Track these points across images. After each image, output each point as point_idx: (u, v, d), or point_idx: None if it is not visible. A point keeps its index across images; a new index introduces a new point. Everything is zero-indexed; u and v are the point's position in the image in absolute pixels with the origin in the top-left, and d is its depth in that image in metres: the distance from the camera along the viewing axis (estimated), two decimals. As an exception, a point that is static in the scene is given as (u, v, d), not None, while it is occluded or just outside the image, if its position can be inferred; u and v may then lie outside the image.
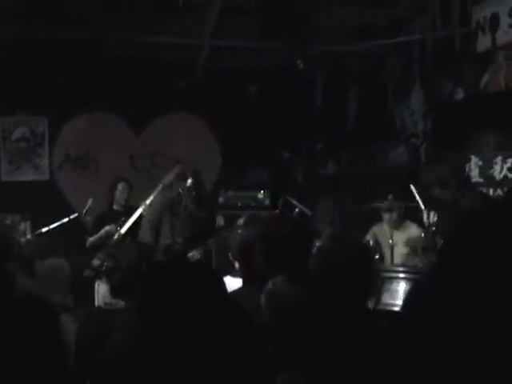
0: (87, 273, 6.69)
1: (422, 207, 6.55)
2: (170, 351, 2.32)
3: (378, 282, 5.46)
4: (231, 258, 5.08)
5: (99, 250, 7.38)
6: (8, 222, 7.98)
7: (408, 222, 7.38)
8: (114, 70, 10.14)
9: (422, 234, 6.88)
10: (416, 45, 9.45)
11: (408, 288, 5.46)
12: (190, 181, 7.14)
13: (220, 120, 10.84)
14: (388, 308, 5.40)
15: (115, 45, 9.62)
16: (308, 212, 7.96)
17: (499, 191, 7.72)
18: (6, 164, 10.47)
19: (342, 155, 10.88)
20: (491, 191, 7.84)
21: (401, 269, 5.93)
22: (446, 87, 9.14)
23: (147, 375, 2.36)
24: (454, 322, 2.22)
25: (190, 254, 6.89)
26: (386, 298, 5.51)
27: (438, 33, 8.84)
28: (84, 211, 7.86)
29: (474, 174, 8.08)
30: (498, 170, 7.76)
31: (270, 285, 3.54)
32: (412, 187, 6.65)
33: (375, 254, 6.61)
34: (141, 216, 7.49)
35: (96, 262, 7.04)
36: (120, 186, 7.93)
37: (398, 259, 6.93)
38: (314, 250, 3.97)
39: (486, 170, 7.95)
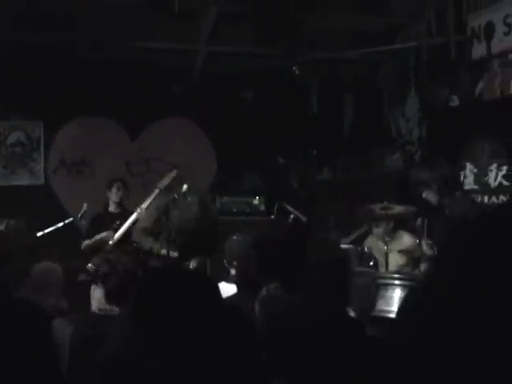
0: (82, 277, 6.66)
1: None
2: (164, 357, 2.32)
3: (373, 288, 5.48)
4: (226, 264, 5.09)
5: (95, 253, 7.37)
6: (2, 226, 7.95)
7: (401, 232, 7.37)
8: (110, 75, 10.14)
9: (416, 241, 6.91)
10: (411, 52, 9.47)
11: (403, 295, 5.48)
12: (185, 186, 7.13)
13: (215, 125, 10.84)
14: (383, 315, 5.41)
15: (112, 50, 9.62)
16: (303, 218, 7.96)
17: (494, 198, 7.74)
18: (1, 168, 10.45)
19: (338, 161, 10.89)
20: (486, 198, 7.86)
21: (396, 276, 5.94)
22: (441, 94, 9.17)
23: (141, 381, 2.35)
24: (450, 329, 2.22)
25: (186, 264, 6.87)
26: (380, 305, 5.53)
27: (434, 40, 8.88)
28: (79, 216, 7.86)
29: (469, 182, 8.10)
30: (493, 178, 7.78)
31: (264, 291, 3.54)
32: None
33: (370, 261, 6.62)
34: (136, 220, 7.48)
35: (91, 267, 7.02)
36: (115, 185, 7.91)
37: (392, 267, 6.93)
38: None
39: (480, 177, 7.97)
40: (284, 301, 3.43)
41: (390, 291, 5.66)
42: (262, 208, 9.87)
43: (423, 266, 6.58)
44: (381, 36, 9.50)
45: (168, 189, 7.38)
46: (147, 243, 7.06)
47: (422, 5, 8.69)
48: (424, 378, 2.36)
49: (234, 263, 4.89)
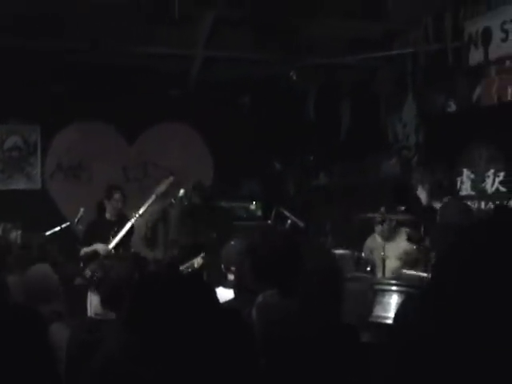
0: (79, 281, 6.66)
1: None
2: (159, 362, 2.31)
3: (370, 294, 5.47)
4: (223, 269, 5.08)
5: (91, 259, 7.35)
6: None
7: (401, 233, 7.36)
8: (107, 80, 10.14)
9: (414, 247, 6.92)
10: (408, 58, 9.47)
11: (400, 301, 5.47)
12: (182, 191, 7.13)
13: (213, 131, 10.84)
14: (380, 320, 5.40)
15: (109, 55, 9.61)
16: (301, 223, 7.96)
17: (491, 205, 7.74)
18: (-2, 172, 10.47)
19: (334, 167, 10.90)
20: (483, 204, 7.86)
21: (393, 281, 5.94)
22: (439, 100, 9.17)
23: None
24: (448, 336, 2.22)
25: (186, 266, 6.87)
26: (378, 311, 5.52)
27: (431, 46, 8.87)
28: (76, 220, 7.85)
29: (466, 187, 8.10)
30: (490, 184, 7.78)
31: (260, 298, 3.52)
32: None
33: (367, 267, 6.63)
34: (132, 226, 7.47)
35: (88, 273, 7.01)
36: (116, 195, 7.86)
37: (389, 272, 6.93)
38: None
39: (477, 183, 7.97)
40: (280, 307, 3.41)
41: (387, 297, 5.65)
42: (259, 213, 9.88)
43: (420, 270, 6.58)
44: (378, 42, 9.51)
45: (165, 194, 7.38)
46: (147, 253, 7.06)
47: (420, 11, 8.69)
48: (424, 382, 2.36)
49: (232, 268, 4.89)
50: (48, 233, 7.81)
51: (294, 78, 9.85)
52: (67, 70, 9.95)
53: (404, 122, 9.99)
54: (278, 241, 3.74)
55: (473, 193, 8.04)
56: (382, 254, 6.95)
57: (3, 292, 3.87)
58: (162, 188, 7.38)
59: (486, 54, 8.08)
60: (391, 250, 7.10)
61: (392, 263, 7.05)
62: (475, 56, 8.25)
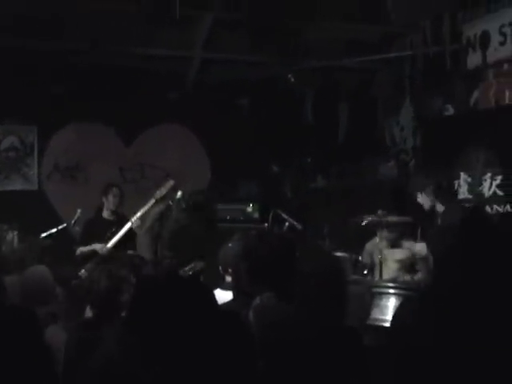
0: (75, 283, 6.63)
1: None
2: (158, 363, 2.31)
3: (367, 297, 5.46)
4: (221, 271, 5.07)
5: (88, 260, 7.34)
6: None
7: (405, 241, 7.36)
8: (105, 81, 10.13)
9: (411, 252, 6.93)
10: (407, 61, 9.48)
11: (397, 304, 5.46)
12: (180, 193, 7.12)
13: (210, 132, 10.83)
14: (377, 323, 5.40)
15: (107, 56, 9.60)
16: (298, 226, 7.95)
17: (488, 208, 7.73)
18: (-5, 173, 10.44)
19: (332, 169, 10.89)
20: (480, 208, 7.85)
21: (390, 285, 5.93)
22: (436, 104, 9.18)
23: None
24: (448, 338, 2.22)
25: (187, 268, 6.85)
26: (375, 314, 5.52)
27: (429, 49, 8.87)
28: (73, 222, 7.84)
29: (463, 191, 8.09)
30: (487, 187, 7.78)
31: (257, 300, 3.51)
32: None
33: (364, 270, 6.62)
34: (131, 229, 7.46)
35: (84, 273, 7.01)
36: (113, 191, 7.86)
37: (387, 275, 6.92)
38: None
39: (475, 186, 7.96)
40: (277, 310, 3.40)
41: (384, 300, 5.65)
42: (256, 215, 9.86)
43: (418, 274, 6.57)
44: (376, 45, 9.52)
45: (163, 196, 7.36)
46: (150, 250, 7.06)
47: (419, 14, 8.69)
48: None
49: (229, 270, 4.88)
50: (44, 234, 7.79)
51: (292, 80, 9.85)
52: (65, 70, 9.93)
53: (401, 125, 10.00)
54: (274, 243, 3.72)
55: (470, 196, 8.02)
56: (380, 256, 6.95)
57: (0, 293, 3.86)
58: (162, 192, 7.36)
59: (484, 57, 8.08)
60: (393, 255, 7.09)
61: (391, 267, 7.04)
62: (473, 59, 8.25)
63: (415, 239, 7.22)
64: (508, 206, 7.45)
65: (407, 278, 6.89)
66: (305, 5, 8.54)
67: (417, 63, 9.22)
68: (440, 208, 6.45)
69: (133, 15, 8.55)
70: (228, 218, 9.85)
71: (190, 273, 6.65)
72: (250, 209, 9.95)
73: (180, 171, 10.21)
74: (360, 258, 7.09)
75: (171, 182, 7.45)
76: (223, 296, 4.10)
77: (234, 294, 3.95)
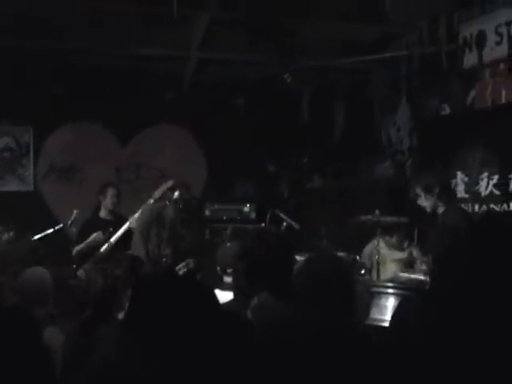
0: (72, 283, 6.63)
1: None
2: (158, 363, 2.29)
3: (366, 297, 5.45)
4: (219, 271, 5.06)
5: (85, 260, 7.33)
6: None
7: (405, 245, 7.36)
8: (100, 81, 10.11)
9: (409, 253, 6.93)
10: (403, 61, 9.47)
11: (396, 303, 5.45)
12: (177, 193, 7.11)
13: (207, 133, 10.84)
14: (376, 323, 5.39)
15: (103, 56, 9.58)
16: (296, 226, 7.94)
17: (485, 207, 7.73)
18: (-10, 174, 10.42)
19: (328, 170, 10.88)
20: (477, 207, 7.85)
21: (390, 284, 5.92)
22: (433, 103, 9.17)
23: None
24: (449, 336, 2.21)
25: (180, 266, 6.85)
26: (374, 314, 5.51)
27: (425, 49, 8.87)
28: (69, 222, 7.81)
29: (460, 190, 8.09)
30: (484, 187, 7.78)
31: (255, 300, 3.51)
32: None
33: (362, 270, 6.61)
34: (129, 229, 7.44)
35: (82, 273, 7.00)
36: (110, 191, 7.85)
37: (384, 275, 6.92)
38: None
39: (471, 186, 7.96)
40: (276, 309, 3.40)
41: (383, 300, 5.65)
42: (253, 215, 9.86)
43: (417, 275, 6.57)
44: (373, 45, 9.51)
45: (161, 197, 7.35)
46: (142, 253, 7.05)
47: (418, 14, 8.68)
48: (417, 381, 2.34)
49: (228, 270, 4.87)
50: (40, 235, 7.77)
51: (289, 80, 9.83)
52: (61, 71, 9.92)
53: (398, 125, 9.99)
54: (272, 243, 3.72)
55: (466, 196, 8.02)
56: (377, 257, 6.95)
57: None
58: (159, 192, 7.34)
59: (481, 57, 8.07)
60: (392, 255, 7.10)
61: (390, 268, 7.05)
62: (469, 59, 8.25)
63: (412, 240, 7.23)
64: (505, 206, 7.45)
65: (405, 277, 6.90)
66: (301, 4, 8.52)
67: (413, 63, 9.21)
68: (442, 209, 6.45)
69: (129, 15, 8.55)
70: (225, 218, 9.85)
71: (184, 270, 6.65)
72: (246, 209, 9.96)
73: (176, 171, 10.19)
74: (358, 257, 7.08)
75: (170, 182, 7.44)
76: (222, 296, 4.09)
77: (234, 294, 3.95)
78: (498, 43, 7.81)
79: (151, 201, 7.32)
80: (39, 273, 4.76)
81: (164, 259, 6.82)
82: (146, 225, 7.21)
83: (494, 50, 7.91)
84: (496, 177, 7.64)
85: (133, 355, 2.35)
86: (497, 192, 7.62)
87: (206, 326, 2.34)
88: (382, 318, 5.44)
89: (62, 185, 10.71)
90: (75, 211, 7.82)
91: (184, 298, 2.40)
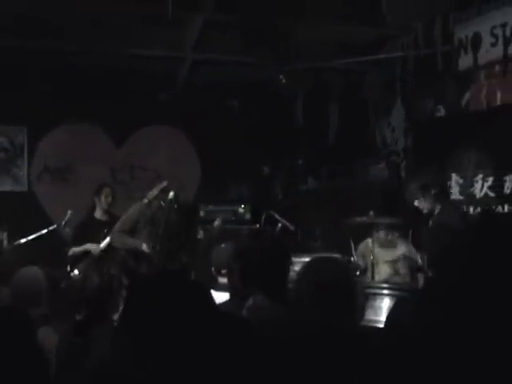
0: (66, 283, 6.61)
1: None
2: (153, 364, 2.28)
3: (361, 298, 5.44)
4: (214, 272, 5.05)
5: (80, 260, 7.32)
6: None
7: (399, 241, 7.37)
8: (95, 82, 10.10)
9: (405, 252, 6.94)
10: (398, 62, 9.48)
11: (391, 305, 5.46)
12: (171, 193, 7.10)
13: (201, 134, 10.82)
14: (371, 324, 5.39)
15: (98, 57, 9.57)
16: (291, 227, 7.94)
17: (479, 209, 7.74)
18: (-16, 174, 10.39)
19: (323, 171, 10.88)
20: (471, 209, 7.86)
21: (384, 285, 5.93)
22: (427, 105, 9.18)
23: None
24: (448, 334, 2.20)
25: (170, 266, 6.85)
26: (369, 315, 5.51)
27: (420, 51, 8.87)
28: (63, 223, 7.81)
29: (455, 192, 8.10)
30: (479, 189, 7.78)
31: (250, 301, 3.50)
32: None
33: (357, 271, 6.62)
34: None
35: (75, 274, 6.99)
36: (105, 191, 7.86)
37: (379, 276, 6.93)
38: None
39: (466, 188, 7.97)
40: (271, 310, 3.39)
41: (378, 301, 5.65)
42: (248, 217, 9.85)
43: (412, 277, 6.59)
44: (368, 46, 9.51)
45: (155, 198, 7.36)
46: (127, 243, 7.04)
47: (414, 16, 8.68)
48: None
49: (222, 271, 4.86)
50: (34, 235, 7.76)
51: (283, 81, 9.83)
52: (55, 71, 9.90)
53: (392, 126, 10.00)
54: (268, 244, 3.71)
55: (461, 197, 8.03)
56: (372, 258, 6.96)
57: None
58: (154, 193, 7.33)
59: (476, 58, 8.09)
60: (384, 257, 7.11)
61: (383, 269, 7.06)
62: (465, 61, 8.26)
63: (406, 241, 7.24)
64: (499, 208, 7.46)
65: (399, 278, 6.91)
66: (296, 6, 8.52)
67: (408, 64, 9.21)
68: (437, 209, 6.47)
69: (123, 16, 8.53)
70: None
71: (177, 267, 6.66)
72: (241, 210, 9.94)
73: (171, 172, 10.18)
74: (352, 259, 7.08)
75: (164, 183, 7.43)
76: (217, 297, 4.08)
77: (229, 295, 3.94)
78: (494, 45, 7.82)
79: (145, 201, 7.32)
80: (33, 272, 4.73)
81: (158, 259, 6.82)
82: (132, 223, 7.21)
83: (489, 52, 7.92)
84: (491, 179, 7.65)
85: (128, 356, 2.33)
86: (491, 194, 7.63)
87: (202, 326, 2.33)
88: (377, 319, 5.44)
89: (57, 185, 10.68)
90: (69, 212, 7.81)
91: (179, 298, 2.38)
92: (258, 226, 8.30)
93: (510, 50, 7.61)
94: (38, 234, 7.76)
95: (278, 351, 2.97)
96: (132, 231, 7.26)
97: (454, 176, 8.14)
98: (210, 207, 10.02)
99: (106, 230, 7.47)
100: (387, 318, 2.78)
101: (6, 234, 9.08)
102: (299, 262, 4.20)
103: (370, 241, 7.40)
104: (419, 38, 8.85)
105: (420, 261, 6.56)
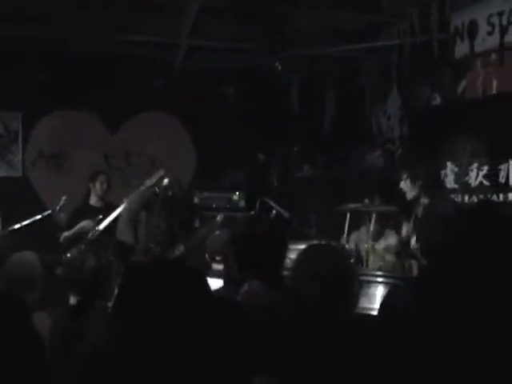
0: (60, 270, 6.60)
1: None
2: (148, 351, 2.28)
3: (357, 285, 5.45)
4: (208, 258, 5.05)
5: (73, 245, 7.31)
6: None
7: (387, 231, 7.42)
8: (90, 68, 10.06)
9: (398, 241, 6.96)
10: (394, 50, 9.45)
11: (385, 292, 5.47)
12: (166, 180, 7.10)
13: (196, 120, 10.80)
14: (365, 312, 5.39)
15: (92, 42, 9.53)
16: (286, 214, 7.93)
17: (474, 198, 7.74)
18: (-21, 160, 10.37)
19: (318, 158, 10.87)
20: (466, 198, 7.86)
21: (378, 273, 5.96)
22: (423, 93, 9.17)
23: (125, 374, 2.31)
24: (445, 319, 2.21)
25: (168, 253, 6.85)
26: (363, 302, 5.51)
27: (417, 38, 8.84)
28: (57, 208, 7.80)
29: (450, 181, 8.10)
30: (474, 177, 7.78)
31: (245, 287, 3.50)
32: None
33: (352, 259, 6.63)
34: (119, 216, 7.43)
35: (68, 258, 6.98)
36: (100, 178, 7.86)
37: (373, 264, 6.94)
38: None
39: (461, 176, 7.97)
40: (266, 296, 3.39)
41: (372, 288, 5.67)
42: (242, 204, 9.84)
43: (405, 265, 6.61)
44: (364, 33, 9.49)
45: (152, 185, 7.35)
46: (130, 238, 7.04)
47: (409, 2, 8.65)
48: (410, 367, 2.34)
49: (216, 258, 4.87)
50: (28, 221, 7.74)
51: (279, 67, 9.80)
52: (50, 57, 9.87)
53: (388, 114, 9.99)
54: (264, 230, 3.71)
55: (456, 186, 8.03)
56: (366, 246, 6.98)
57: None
58: (151, 181, 7.32)
59: (472, 46, 8.07)
60: (377, 244, 7.14)
61: (376, 257, 7.08)
62: (461, 49, 8.24)
63: (399, 229, 7.26)
64: (494, 196, 7.46)
65: (392, 266, 6.94)
66: (292, -8, 8.51)
67: (404, 52, 9.18)
68: (424, 199, 6.48)
69: (119, 1, 8.50)
70: (214, 206, 9.82)
71: (174, 256, 6.66)
72: (236, 197, 9.92)
73: (165, 159, 10.17)
74: (346, 246, 7.09)
75: (161, 172, 7.42)
76: (211, 284, 4.08)
77: (224, 282, 3.94)
78: (490, 33, 7.80)
79: (142, 188, 7.31)
80: (28, 258, 4.71)
81: (153, 246, 6.81)
82: (136, 210, 7.21)
83: (485, 40, 7.91)
84: (486, 167, 7.65)
85: (122, 343, 2.32)
86: (486, 183, 7.63)
87: (198, 312, 2.32)
88: (371, 306, 5.45)
89: (51, 171, 10.66)
90: (64, 197, 7.80)
91: (174, 285, 2.37)
92: (252, 213, 8.29)
93: (506, 38, 7.60)
94: (32, 219, 7.74)
95: (274, 338, 2.98)
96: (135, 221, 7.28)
97: (449, 164, 8.14)
98: (205, 194, 10.00)
99: (100, 216, 7.46)
100: (381, 305, 2.78)
101: (0, 219, 9.07)
102: (294, 249, 4.17)
103: (364, 228, 7.41)
104: (415, 25, 8.82)
105: (413, 242, 6.58)
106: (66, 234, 7.66)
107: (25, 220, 7.68)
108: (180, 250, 6.84)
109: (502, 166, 7.38)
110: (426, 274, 2.62)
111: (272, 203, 8.06)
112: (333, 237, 7.33)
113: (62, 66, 9.99)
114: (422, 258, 5.92)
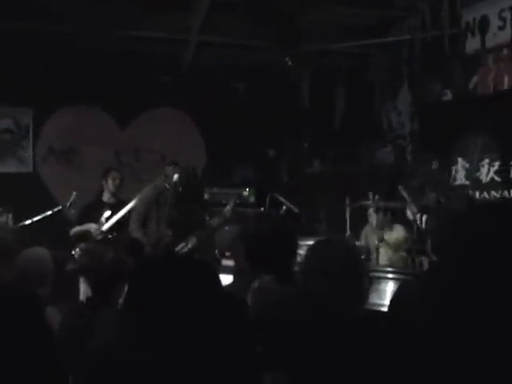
0: (70, 267, 6.61)
1: (411, 212, 6.60)
2: (158, 347, 2.27)
3: (367, 281, 5.43)
4: (217, 254, 5.04)
5: (82, 240, 7.32)
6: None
7: (396, 225, 7.41)
8: (101, 64, 10.06)
9: (406, 235, 6.95)
10: (404, 45, 9.42)
11: (395, 288, 5.46)
12: (176, 176, 7.11)
13: (206, 116, 10.80)
14: (375, 308, 5.38)
15: (102, 39, 9.53)
16: (295, 210, 7.92)
17: (485, 194, 7.72)
18: (-11, 155, 10.40)
19: (328, 154, 10.86)
20: (477, 194, 7.84)
21: (388, 269, 5.94)
22: (434, 88, 9.13)
23: (135, 370, 2.30)
24: (454, 315, 2.20)
25: (179, 247, 6.87)
26: (373, 298, 5.50)
27: (427, 34, 8.81)
28: (68, 204, 7.80)
29: (461, 177, 8.08)
30: (485, 173, 7.76)
31: (256, 283, 3.49)
32: (401, 189, 6.71)
33: (362, 254, 6.61)
34: (129, 211, 7.44)
35: (77, 253, 6.99)
36: (112, 174, 7.87)
37: (383, 260, 6.93)
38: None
39: (472, 172, 7.94)
40: (277, 292, 3.38)
41: (382, 284, 5.65)
42: (252, 199, 9.83)
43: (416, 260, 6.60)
44: (374, 29, 9.46)
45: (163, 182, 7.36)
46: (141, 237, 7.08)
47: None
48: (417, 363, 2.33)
49: (226, 254, 4.86)
50: (39, 217, 7.75)
51: (289, 63, 9.78)
52: (61, 53, 9.87)
53: (399, 110, 9.97)
54: (273, 226, 3.70)
55: (467, 182, 8.01)
56: (376, 243, 6.97)
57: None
58: (162, 176, 7.34)
59: (483, 42, 8.04)
60: (387, 239, 7.12)
61: (387, 252, 7.06)
62: (472, 44, 8.21)
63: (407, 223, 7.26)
64: (506, 192, 7.43)
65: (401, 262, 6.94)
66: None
67: (415, 47, 9.15)
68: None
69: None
70: (224, 202, 9.81)
71: (184, 250, 6.66)
72: (246, 193, 9.92)
73: (176, 155, 10.17)
74: (356, 242, 7.09)
75: (172, 168, 7.45)
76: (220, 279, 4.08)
77: (234, 277, 3.93)
78: (501, 28, 7.77)
79: (153, 185, 7.33)
80: (39, 253, 4.72)
81: (163, 240, 6.83)
82: (148, 205, 7.24)
83: (496, 36, 7.88)
84: (497, 163, 7.62)
85: (132, 337, 2.32)
86: (497, 179, 7.60)
87: (208, 308, 2.32)
88: (381, 302, 5.44)
89: (61, 167, 10.69)
90: (74, 193, 7.80)
91: (185, 279, 2.36)
92: (262, 208, 8.29)
93: (517, 33, 7.58)
94: (42, 215, 7.75)
95: (285, 333, 2.97)
96: (146, 218, 7.31)
97: (460, 160, 8.12)
98: (215, 190, 10.00)
99: (110, 212, 7.46)
100: (391, 301, 2.77)
101: (11, 215, 9.11)
102: (303, 244, 4.17)
103: (374, 224, 7.40)
104: (426, 21, 8.78)
105: (410, 213, 6.58)
106: (76, 229, 7.67)
107: (35, 216, 7.69)
108: (193, 241, 6.86)
109: (514, 162, 7.38)
110: (437, 270, 2.60)
111: (282, 199, 8.05)
112: (342, 232, 7.33)
113: (72, 62, 10.00)
114: (432, 254, 5.91)
